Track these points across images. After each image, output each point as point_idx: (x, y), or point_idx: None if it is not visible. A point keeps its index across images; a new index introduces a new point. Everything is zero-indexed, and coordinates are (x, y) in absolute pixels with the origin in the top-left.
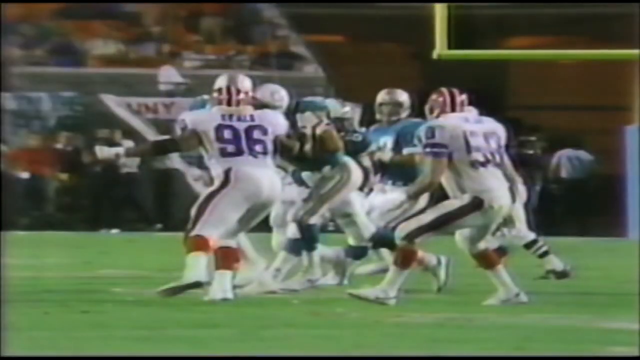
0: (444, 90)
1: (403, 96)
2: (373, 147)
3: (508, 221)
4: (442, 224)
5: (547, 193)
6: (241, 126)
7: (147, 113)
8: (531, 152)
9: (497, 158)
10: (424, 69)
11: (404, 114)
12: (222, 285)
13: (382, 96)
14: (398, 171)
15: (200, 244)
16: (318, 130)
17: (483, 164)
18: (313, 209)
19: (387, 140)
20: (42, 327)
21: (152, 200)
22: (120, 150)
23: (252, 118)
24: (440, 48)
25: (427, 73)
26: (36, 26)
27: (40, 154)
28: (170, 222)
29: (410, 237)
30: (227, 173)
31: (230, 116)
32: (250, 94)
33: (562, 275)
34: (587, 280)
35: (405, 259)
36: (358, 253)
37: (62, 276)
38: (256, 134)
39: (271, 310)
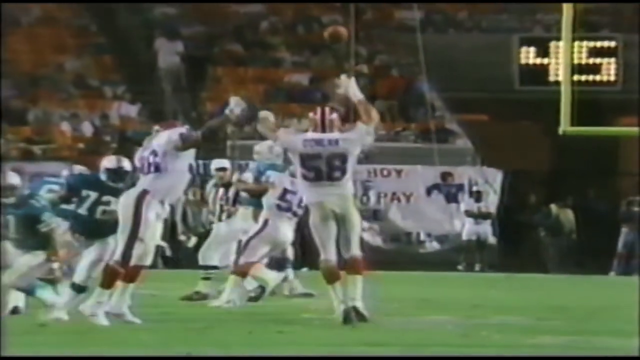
0: (318, 108)
1: None
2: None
3: None
4: None
5: None
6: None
7: None
8: None
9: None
10: (553, 142)
11: None
12: None
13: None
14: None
15: None
16: None
17: None
18: None
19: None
20: (244, 343)
21: None
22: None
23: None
24: (564, 125)
25: (555, 146)
26: (247, 107)
27: None
28: None
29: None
30: None
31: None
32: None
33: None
34: None
35: None
36: None
37: (262, 302)
38: (152, 158)
39: (429, 332)
